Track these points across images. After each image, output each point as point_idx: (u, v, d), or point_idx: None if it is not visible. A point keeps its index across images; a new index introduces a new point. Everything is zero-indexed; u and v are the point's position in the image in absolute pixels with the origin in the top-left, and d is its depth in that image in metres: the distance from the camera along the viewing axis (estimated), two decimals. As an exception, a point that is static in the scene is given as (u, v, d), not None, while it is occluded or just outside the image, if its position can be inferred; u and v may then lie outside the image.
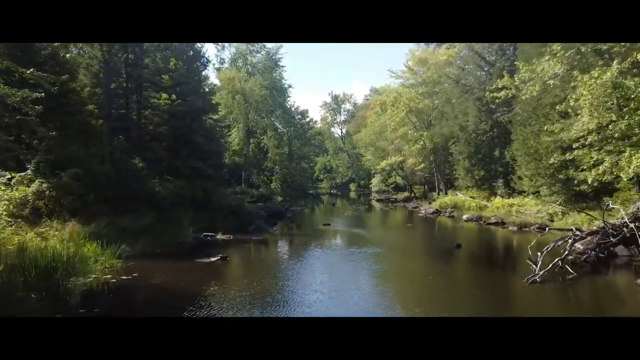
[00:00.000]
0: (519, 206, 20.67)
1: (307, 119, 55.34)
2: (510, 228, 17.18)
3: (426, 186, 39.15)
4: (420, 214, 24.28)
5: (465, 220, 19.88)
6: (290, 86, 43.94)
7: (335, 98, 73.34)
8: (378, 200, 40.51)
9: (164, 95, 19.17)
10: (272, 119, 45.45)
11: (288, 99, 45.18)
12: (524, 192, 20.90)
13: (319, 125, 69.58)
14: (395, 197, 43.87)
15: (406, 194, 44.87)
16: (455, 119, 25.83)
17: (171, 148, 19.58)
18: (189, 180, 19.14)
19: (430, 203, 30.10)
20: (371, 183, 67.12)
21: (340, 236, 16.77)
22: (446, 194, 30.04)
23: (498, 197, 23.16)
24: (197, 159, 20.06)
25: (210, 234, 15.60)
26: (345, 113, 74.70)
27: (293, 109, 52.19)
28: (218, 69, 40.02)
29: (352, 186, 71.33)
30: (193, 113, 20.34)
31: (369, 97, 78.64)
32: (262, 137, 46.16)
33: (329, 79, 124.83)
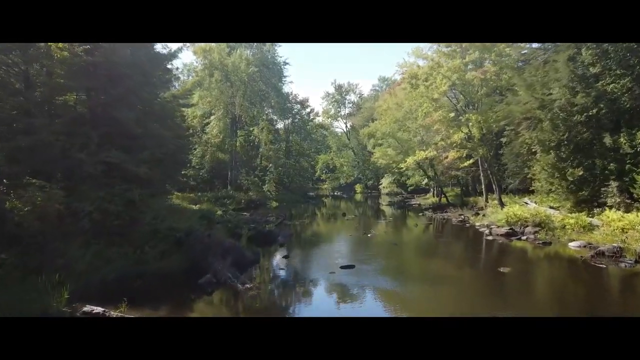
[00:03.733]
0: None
1: (308, 109, 46.52)
2: None
3: (461, 189, 30.60)
4: (488, 236, 15.65)
5: (593, 257, 11.19)
6: (286, 63, 35.16)
7: (338, 88, 64.56)
8: (399, 208, 31.89)
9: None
10: (265, 107, 36.80)
11: (284, 79, 36.40)
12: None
13: (320, 119, 60.57)
14: (417, 202, 35.34)
15: (430, 197, 36.36)
16: (531, 93, 17.25)
17: (70, 130, 11.03)
18: (101, 187, 10.63)
19: (478, 214, 21.62)
20: (381, 184, 58.96)
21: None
22: (501, 201, 21.54)
23: (609, 209, 14.67)
24: (119, 150, 11.50)
25: (96, 309, 6.99)
26: (350, 105, 65.99)
27: (291, 96, 43.61)
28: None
29: (358, 187, 62.95)
30: (115, 70, 11.79)
31: (377, 88, 70.29)
32: (252, 129, 37.57)
33: (330, 76, 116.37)
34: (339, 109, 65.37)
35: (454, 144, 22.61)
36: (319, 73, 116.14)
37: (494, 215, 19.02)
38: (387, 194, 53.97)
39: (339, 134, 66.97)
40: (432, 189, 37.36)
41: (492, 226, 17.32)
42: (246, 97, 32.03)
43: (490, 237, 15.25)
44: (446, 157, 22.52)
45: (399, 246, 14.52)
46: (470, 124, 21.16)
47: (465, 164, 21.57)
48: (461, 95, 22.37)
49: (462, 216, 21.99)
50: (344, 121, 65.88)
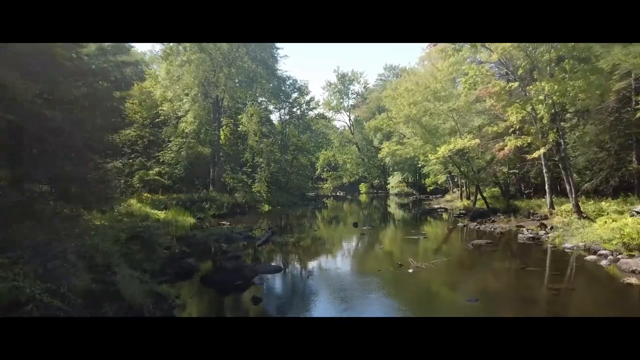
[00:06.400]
0: None
1: (307, 97, 39.73)
2: None
3: (501, 190, 24.06)
4: (629, 278, 8.84)
5: None
6: (280, 36, 28.57)
7: (341, 77, 57.80)
8: (421, 213, 25.37)
9: None
10: (256, 88, 30.27)
11: (276, 53, 29.71)
12: None
13: (321, 111, 53.76)
14: (439, 205, 28.84)
15: (454, 199, 29.88)
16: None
17: None
18: None
19: (544, 225, 15.20)
20: (388, 183, 52.61)
21: None
22: (578, 208, 15.05)
23: None
24: None
25: None
26: (354, 96, 59.24)
27: (289, 82, 37.03)
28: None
29: (363, 187, 56.66)
30: None
31: (384, 78, 63.65)
32: (240, 117, 31.04)
33: (329, 72, 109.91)
34: (341, 100, 58.70)
35: (512, 129, 16.07)
36: (317, 72, 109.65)
37: (586, 231, 12.55)
38: (396, 195, 47.68)
39: (341, 130, 60.45)
40: (457, 190, 30.89)
41: (601, 250, 10.82)
42: (230, 75, 25.53)
43: (632, 280, 8.63)
44: (501, 148, 16.00)
45: (484, 305, 7.71)
46: (541, 97, 14.61)
47: (535, 154, 15.01)
48: (520, 60, 15.83)
49: (524, 229, 15.50)
50: (348, 114, 59.32)
